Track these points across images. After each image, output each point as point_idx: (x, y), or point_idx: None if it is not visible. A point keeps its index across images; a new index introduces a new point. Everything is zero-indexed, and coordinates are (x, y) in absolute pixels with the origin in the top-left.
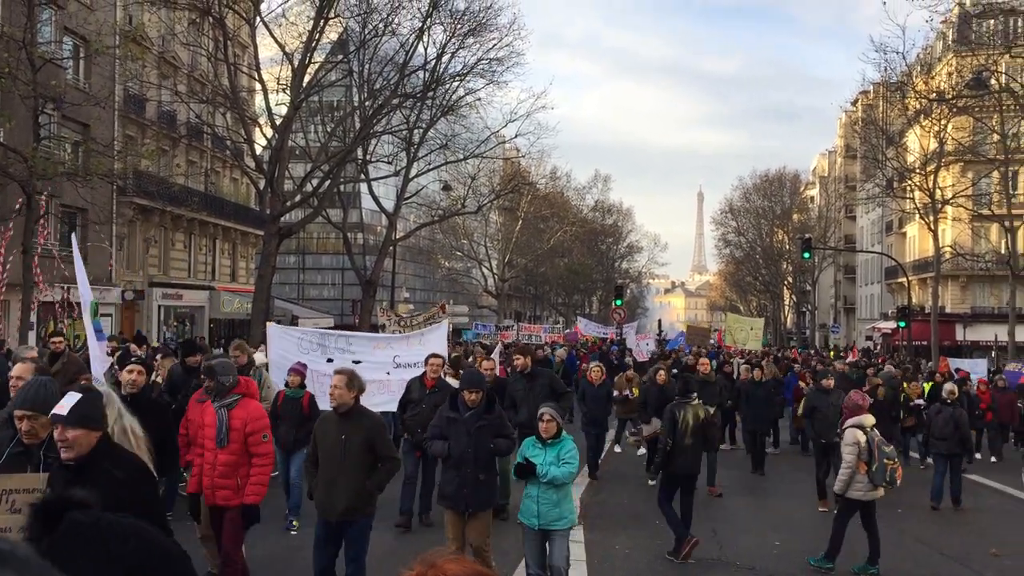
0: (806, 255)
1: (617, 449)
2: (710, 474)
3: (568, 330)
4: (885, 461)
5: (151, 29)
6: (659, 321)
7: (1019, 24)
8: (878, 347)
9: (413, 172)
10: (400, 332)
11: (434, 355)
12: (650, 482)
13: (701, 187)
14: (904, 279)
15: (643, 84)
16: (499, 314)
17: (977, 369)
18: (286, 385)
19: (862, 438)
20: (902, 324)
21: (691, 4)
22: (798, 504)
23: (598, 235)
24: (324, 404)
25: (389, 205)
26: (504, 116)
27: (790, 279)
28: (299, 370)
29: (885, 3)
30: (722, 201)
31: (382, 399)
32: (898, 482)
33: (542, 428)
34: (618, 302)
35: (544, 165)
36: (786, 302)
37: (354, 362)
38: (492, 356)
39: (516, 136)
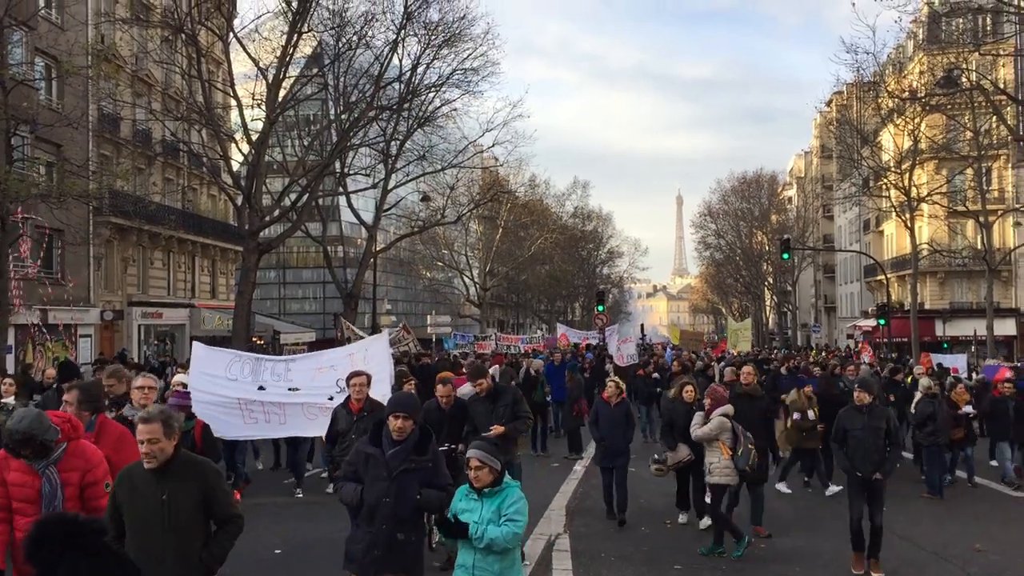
0: (785, 256)
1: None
2: (756, 512)
3: (549, 336)
4: (749, 446)
5: (123, 48)
6: (641, 326)
7: (987, 22)
8: (858, 345)
9: (391, 184)
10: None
11: (355, 373)
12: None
13: (680, 191)
14: (883, 277)
15: (619, 90)
16: (482, 323)
17: (958, 364)
18: None
19: (728, 425)
20: (882, 322)
21: (664, 8)
22: (787, 501)
23: (578, 241)
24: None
25: (368, 217)
26: (481, 126)
27: (771, 280)
28: (181, 402)
29: (854, 4)
30: (701, 204)
31: (322, 422)
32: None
33: (471, 477)
34: (600, 308)
35: (523, 173)
36: (767, 303)
37: (290, 389)
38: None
39: (494, 145)
